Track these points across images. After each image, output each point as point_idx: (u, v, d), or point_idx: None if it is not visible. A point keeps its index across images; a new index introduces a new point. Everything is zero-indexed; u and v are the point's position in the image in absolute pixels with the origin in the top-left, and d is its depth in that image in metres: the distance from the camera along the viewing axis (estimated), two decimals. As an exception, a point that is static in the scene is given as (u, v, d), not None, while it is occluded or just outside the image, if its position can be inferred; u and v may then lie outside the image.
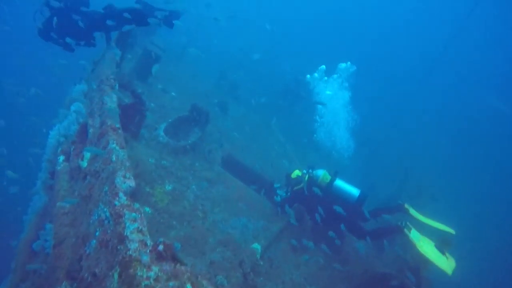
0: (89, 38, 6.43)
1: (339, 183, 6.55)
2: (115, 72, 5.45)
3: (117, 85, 4.98)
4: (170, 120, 7.16)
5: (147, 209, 5.00)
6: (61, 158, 4.59)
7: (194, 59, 12.96)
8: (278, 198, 6.87)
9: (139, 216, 2.64)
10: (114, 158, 3.35)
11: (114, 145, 3.52)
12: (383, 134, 16.84)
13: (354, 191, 6.44)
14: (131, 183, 3.07)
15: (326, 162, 10.40)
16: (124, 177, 3.11)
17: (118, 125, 3.91)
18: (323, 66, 12.13)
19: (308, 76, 12.48)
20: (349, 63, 12.11)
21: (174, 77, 10.55)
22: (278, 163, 9.79)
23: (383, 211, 6.65)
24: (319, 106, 11.60)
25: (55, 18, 5.89)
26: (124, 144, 3.62)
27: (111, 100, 4.46)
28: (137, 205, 2.80)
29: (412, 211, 6.59)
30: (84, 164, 3.97)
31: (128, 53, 8.75)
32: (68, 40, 5.84)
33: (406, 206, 6.65)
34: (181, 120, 7.41)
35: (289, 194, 6.86)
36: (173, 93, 9.42)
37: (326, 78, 12.11)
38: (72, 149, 4.53)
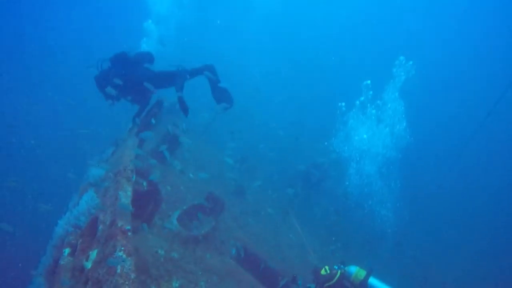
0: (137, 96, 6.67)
1: (374, 281, 6.05)
2: (133, 161, 5.42)
3: (134, 176, 4.90)
4: (184, 208, 6.98)
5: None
6: (67, 251, 4.39)
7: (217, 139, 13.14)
8: None
9: None
10: (119, 270, 3.13)
11: (121, 253, 3.31)
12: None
13: None
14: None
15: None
16: None
17: (128, 227, 3.73)
18: (368, 81, 11.57)
19: (343, 104, 11.86)
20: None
21: (194, 157, 10.59)
22: (295, 256, 9.34)
23: None
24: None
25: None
26: (132, 251, 3.41)
27: (126, 196, 4.34)
28: None
29: None
30: (88, 265, 3.74)
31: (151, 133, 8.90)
32: (109, 90, 6.09)
33: None
34: (195, 208, 7.23)
35: None
36: (191, 175, 9.37)
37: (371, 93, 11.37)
38: (79, 242, 4.33)
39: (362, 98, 12.13)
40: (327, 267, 6.47)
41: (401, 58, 12.18)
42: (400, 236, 13.15)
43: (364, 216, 12.04)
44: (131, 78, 6.41)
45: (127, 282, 3.01)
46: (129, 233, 3.68)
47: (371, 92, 11.97)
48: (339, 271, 6.19)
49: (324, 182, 13.56)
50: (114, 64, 6.52)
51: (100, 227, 4.04)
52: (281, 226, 10.93)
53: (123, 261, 3.23)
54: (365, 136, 11.74)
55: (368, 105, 12.00)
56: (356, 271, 6.08)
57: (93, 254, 3.80)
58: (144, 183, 5.88)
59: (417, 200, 17.00)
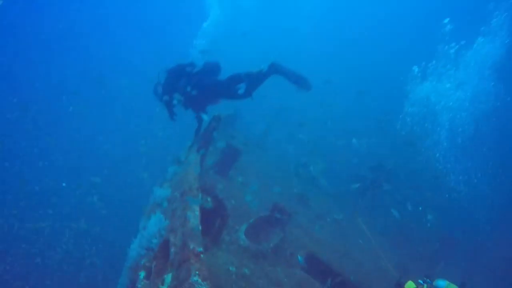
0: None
1: None
2: (198, 178, 5.40)
3: (200, 195, 4.86)
4: (251, 221, 6.87)
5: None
6: (142, 274, 4.42)
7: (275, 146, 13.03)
8: None
9: None
10: None
11: (196, 278, 3.22)
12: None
13: None
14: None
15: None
16: None
17: (200, 249, 3.66)
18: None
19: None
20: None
21: (255, 168, 10.53)
22: (368, 263, 8.90)
23: None
24: None
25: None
26: (207, 275, 3.32)
27: (194, 216, 4.29)
28: None
29: None
30: (164, 289, 3.71)
31: (210, 147, 8.97)
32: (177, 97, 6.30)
33: None
34: (262, 220, 7.09)
35: None
36: (254, 187, 9.28)
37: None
38: (153, 265, 4.34)
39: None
40: (412, 283, 5.93)
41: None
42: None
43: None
44: (202, 89, 6.49)
45: None
46: (202, 255, 3.60)
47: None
48: (424, 286, 5.66)
49: (390, 182, 12.90)
50: (179, 75, 6.60)
51: (172, 249, 4.01)
52: (349, 231, 10.52)
53: (199, 285, 3.15)
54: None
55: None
56: (445, 285, 5.50)
57: (168, 278, 3.77)
58: (209, 199, 5.85)
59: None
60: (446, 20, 12.59)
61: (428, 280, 5.64)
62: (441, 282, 5.50)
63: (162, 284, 3.80)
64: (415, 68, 13.55)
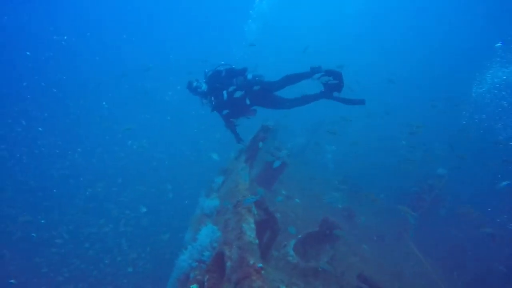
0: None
1: None
2: (248, 189, 5.19)
3: (254, 207, 4.63)
4: (299, 236, 6.55)
5: None
6: (194, 287, 4.21)
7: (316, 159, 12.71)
8: None
9: None
10: None
11: (260, 297, 2.97)
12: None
13: None
14: None
15: None
16: None
17: (261, 265, 3.40)
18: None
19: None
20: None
21: (297, 181, 10.23)
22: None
23: None
24: None
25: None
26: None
27: (250, 228, 4.06)
28: None
29: None
30: (221, 306, 3.48)
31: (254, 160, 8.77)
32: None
33: None
34: (311, 236, 6.75)
35: None
36: (297, 200, 8.98)
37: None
38: (206, 278, 4.12)
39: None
40: None
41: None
42: None
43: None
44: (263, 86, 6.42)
45: None
46: (262, 272, 3.35)
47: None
48: None
49: (440, 204, 12.22)
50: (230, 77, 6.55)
51: (229, 263, 3.77)
52: (397, 252, 9.95)
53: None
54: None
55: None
56: None
57: (226, 294, 3.54)
58: (255, 212, 5.61)
59: None
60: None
61: None
62: None
63: (219, 301, 3.57)
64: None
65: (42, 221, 11.93)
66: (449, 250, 10.85)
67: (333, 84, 6.02)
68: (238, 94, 6.53)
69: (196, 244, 4.70)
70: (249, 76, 6.64)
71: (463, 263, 10.52)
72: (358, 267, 7.41)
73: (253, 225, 4.16)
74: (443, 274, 9.43)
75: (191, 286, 4.26)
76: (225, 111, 6.68)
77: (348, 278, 6.76)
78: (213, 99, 6.58)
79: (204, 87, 6.68)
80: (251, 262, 3.39)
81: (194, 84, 6.76)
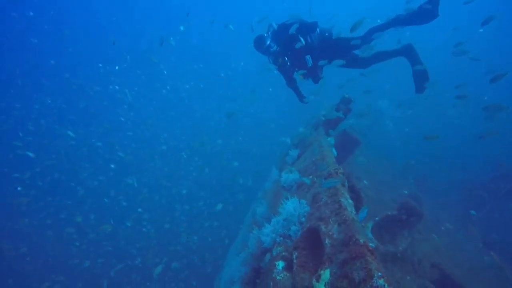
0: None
1: None
2: (335, 163, 4.76)
3: (346, 182, 4.20)
4: (377, 219, 6.08)
5: None
6: (281, 264, 3.89)
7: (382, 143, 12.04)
8: None
9: None
10: None
11: (382, 281, 2.56)
12: None
13: None
14: None
15: None
16: None
17: (372, 244, 3.00)
18: None
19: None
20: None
21: (363, 165, 9.68)
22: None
23: None
24: None
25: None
26: (391, 280, 2.65)
27: (349, 204, 3.65)
28: None
29: None
30: (321, 287, 3.12)
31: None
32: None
33: None
34: (389, 219, 6.26)
35: None
36: (365, 182, 8.47)
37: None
38: (295, 255, 3.78)
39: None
40: None
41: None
42: None
43: None
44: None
45: None
46: (376, 254, 2.94)
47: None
48: None
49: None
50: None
51: (327, 241, 3.39)
52: (465, 244, 9.24)
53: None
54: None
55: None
56: None
57: (326, 274, 3.17)
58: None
59: None
60: None
61: None
62: None
63: (318, 281, 3.21)
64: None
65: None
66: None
67: (427, 9, 5.43)
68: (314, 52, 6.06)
69: (279, 218, 4.36)
70: (327, 33, 6.18)
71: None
72: (432, 256, 6.86)
73: (351, 201, 3.75)
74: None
75: (277, 263, 3.95)
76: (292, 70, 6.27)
77: (425, 267, 6.26)
78: (286, 59, 6.11)
79: (274, 47, 6.18)
80: (361, 240, 2.98)
81: (268, 42, 6.20)
